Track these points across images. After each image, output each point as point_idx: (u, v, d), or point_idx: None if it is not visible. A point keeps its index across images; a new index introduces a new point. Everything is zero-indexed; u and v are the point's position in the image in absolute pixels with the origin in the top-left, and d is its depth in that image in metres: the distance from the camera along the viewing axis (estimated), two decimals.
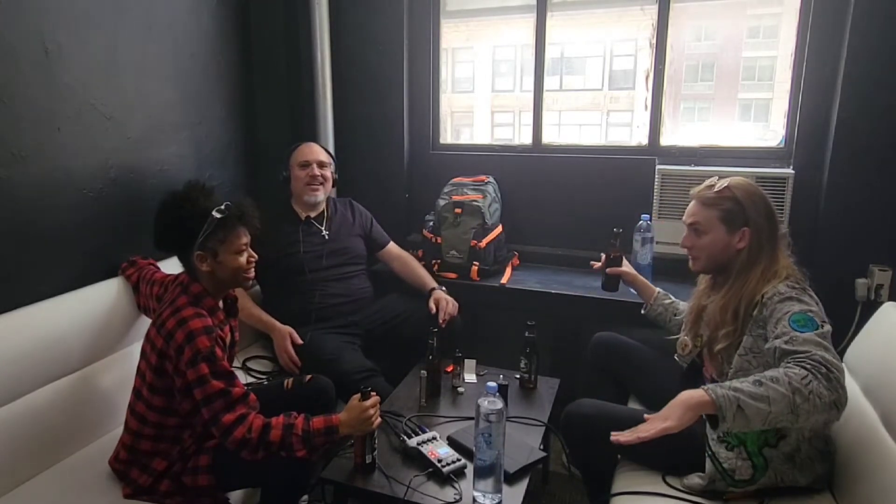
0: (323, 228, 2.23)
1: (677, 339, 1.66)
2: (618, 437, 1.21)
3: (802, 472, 1.33)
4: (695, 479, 1.38)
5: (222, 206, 1.40)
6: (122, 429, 1.50)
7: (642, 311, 1.90)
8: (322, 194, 2.21)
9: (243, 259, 1.45)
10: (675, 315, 1.81)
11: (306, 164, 2.18)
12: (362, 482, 1.44)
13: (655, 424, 1.17)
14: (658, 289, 1.89)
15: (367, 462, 1.47)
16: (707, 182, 1.49)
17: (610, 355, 1.85)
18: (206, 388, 1.31)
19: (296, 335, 2.03)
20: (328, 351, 1.96)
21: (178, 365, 1.34)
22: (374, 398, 1.45)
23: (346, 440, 1.48)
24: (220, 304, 1.51)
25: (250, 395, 1.38)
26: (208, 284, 1.44)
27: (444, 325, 2.05)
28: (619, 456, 1.58)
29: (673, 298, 1.86)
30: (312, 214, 2.23)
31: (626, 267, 1.93)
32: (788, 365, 1.17)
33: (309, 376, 1.73)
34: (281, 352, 2.01)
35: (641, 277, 1.92)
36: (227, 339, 1.49)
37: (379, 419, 1.45)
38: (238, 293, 1.92)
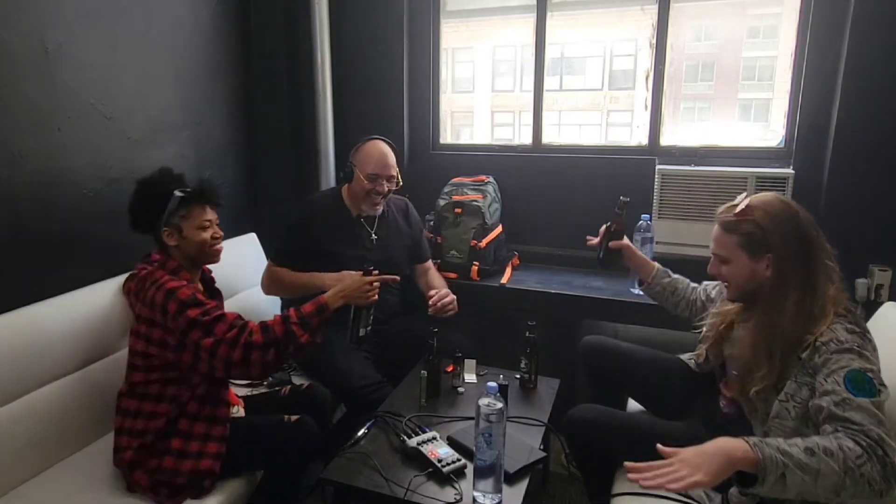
0: (372, 232, 2.10)
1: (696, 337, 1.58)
2: (636, 476, 1.06)
3: None
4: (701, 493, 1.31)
5: (186, 188, 1.53)
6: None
7: (639, 289, 1.77)
8: (383, 206, 2.09)
9: (207, 234, 1.55)
10: (674, 293, 1.73)
11: (375, 178, 2.00)
12: (362, 482, 1.44)
13: (682, 473, 1.02)
14: (657, 265, 1.78)
15: (361, 335, 1.53)
16: (731, 202, 1.34)
17: (600, 358, 1.81)
18: (201, 324, 1.40)
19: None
20: (339, 362, 1.90)
21: (167, 323, 1.42)
22: (376, 276, 1.53)
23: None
24: (199, 284, 1.62)
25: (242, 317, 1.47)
26: (180, 260, 1.55)
27: (431, 310, 1.98)
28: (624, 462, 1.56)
29: (672, 275, 1.76)
30: (364, 213, 2.09)
31: (626, 240, 1.79)
32: (839, 436, 1.05)
33: (306, 384, 1.77)
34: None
35: (640, 254, 1.81)
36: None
37: (376, 297, 1.54)
38: (286, 273, 2.04)
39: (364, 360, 1.97)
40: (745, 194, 1.35)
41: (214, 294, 1.70)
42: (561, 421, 1.60)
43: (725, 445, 1.04)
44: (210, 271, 1.70)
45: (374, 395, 1.83)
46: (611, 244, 1.76)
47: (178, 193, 1.50)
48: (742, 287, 1.34)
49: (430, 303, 2.00)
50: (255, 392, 1.88)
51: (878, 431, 1.04)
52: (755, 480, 1.02)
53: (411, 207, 2.29)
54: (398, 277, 1.47)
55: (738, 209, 1.30)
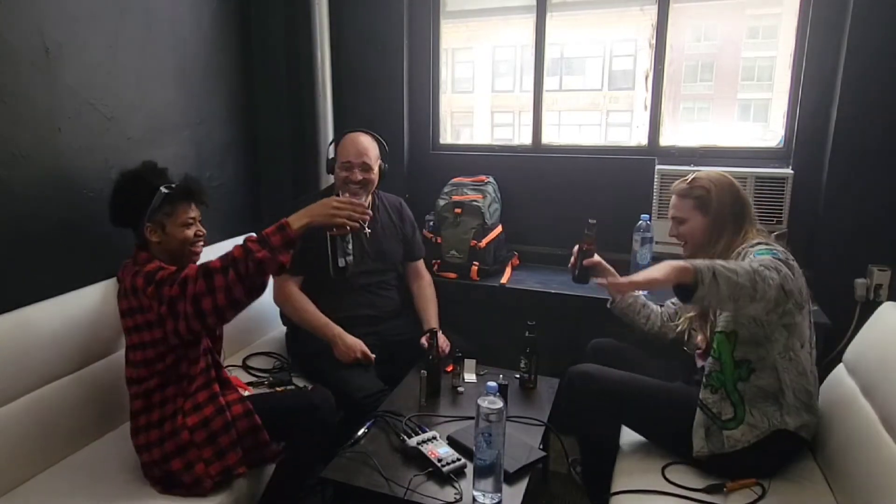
0: (365, 226, 2.12)
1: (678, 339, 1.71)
2: (601, 281, 1.45)
3: (791, 416, 1.43)
4: (695, 441, 1.47)
5: (171, 184, 1.52)
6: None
7: (608, 306, 1.92)
8: (363, 197, 2.01)
9: (190, 232, 1.53)
10: (644, 307, 1.85)
11: (348, 167, 2.00)
12: (362, 481, 1.44)
13: (641, 274, 1.34)
14: None
15: (341, 266, 1.45)
16: (682, 178, 1.66)
17: (608, 361, 1.80)
18: (168, 279, 1.37)
19: (366, 349, 1.94)
20: (340, 371, 1.90)
21: (143, 300, 1.40)
22: (349, 199, 1.45)
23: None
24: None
25: None
26: (161, 256, 1.52)
27: (434, 359, 1.92)
28: (620, 424, 1.66)
29: (639, 292, 1.87)
30: None
31: (597, 258, 1.88)
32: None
33: (311, 386, 1.78)
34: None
35: (611, 269, 1.87)
36: None
37: (343, 220, 1.42)
38: (298, 300, 2.00)
39: (366, 370, 1.95)
40: (692, 173, 1.64)
41: None
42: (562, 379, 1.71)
43: (669, 262, 1.31)
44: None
45: (375, 406, 1.82)
46: (585, 262, 1.85)
47: (163, 190, 1.49)
48: (697, 241, 1.60)
49: (433, 355, 1.93)
50: (259, 392, 1.87)
51: (773, 265, 1.31)
52: (694, 294, 1.26)
53: (405, 205, 2.29)
54: (366, 207, 1.44)
55: (688, 180, 1.62)
